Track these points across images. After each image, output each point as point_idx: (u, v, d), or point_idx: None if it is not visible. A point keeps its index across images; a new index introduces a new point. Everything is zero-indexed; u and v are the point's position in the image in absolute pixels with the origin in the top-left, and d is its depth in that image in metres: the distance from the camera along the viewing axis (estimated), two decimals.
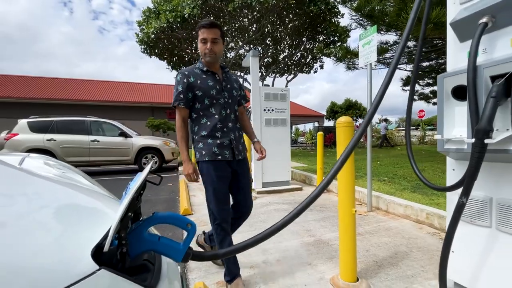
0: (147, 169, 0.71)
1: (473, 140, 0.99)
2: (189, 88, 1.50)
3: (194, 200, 3.91)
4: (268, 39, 11.23)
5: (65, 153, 6.37)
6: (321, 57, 11.39)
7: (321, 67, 12.86)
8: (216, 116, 1.53)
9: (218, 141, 1.52)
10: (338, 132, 1.59)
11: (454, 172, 1.32)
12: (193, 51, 11.09)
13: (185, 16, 7.79)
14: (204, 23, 1.48)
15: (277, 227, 0.85)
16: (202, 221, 2.88)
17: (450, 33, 1.30)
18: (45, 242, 0.50)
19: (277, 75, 12.89)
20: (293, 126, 26.23)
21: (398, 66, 7.66)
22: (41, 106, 19.29)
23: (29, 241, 0.49)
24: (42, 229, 0.54)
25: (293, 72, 12.83)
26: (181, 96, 1.50)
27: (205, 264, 1.89)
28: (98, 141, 6.64)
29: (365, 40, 3.07)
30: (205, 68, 1.55)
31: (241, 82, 1.64)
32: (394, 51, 7.67)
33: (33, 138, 6.22)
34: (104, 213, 0.74)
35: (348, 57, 6.83)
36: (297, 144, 23.22)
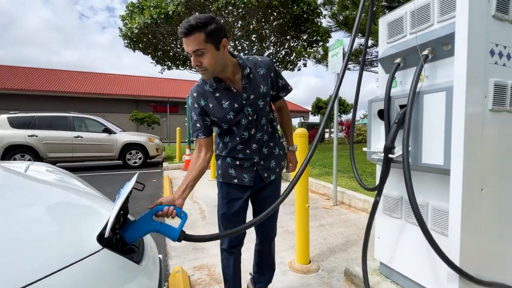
0: (134, 179, 0.98)
1: (383, 154, 1.33)
2: (203, 113, 1.24)
3: None
4: (254, 36, 11.41)
5: (47, 149, 6.39)
6: (304, 56, 11.73)
7: (305, 65, 13.21)
8: (237, 138, 1.27)
9: (237, 162, 1.31)
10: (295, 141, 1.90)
11: None
12: (178, 46, 11.10)
13: (169, 13, 7.84)
14: (180, 31, 1.04)
15: (259, 219, 1.05)
16: None
17: (380, 66, 1.63)
18: (66, 228, 0.78)
19: None
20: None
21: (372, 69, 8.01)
22: (20, 97, 18.60)
23: (56, 227, 0.76)
24: (62, 221, 0.81)
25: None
26: (198, 125, 1.23)
27: (184, 253, 2.18)
28: (82, 137, 6.69)
29: (333, 52, 3.40)
30: (214, 85, 1.20)
31: (274, 68, 1.32)
32: (370, 53, 8.13)
33: (14, 134, 6.19)
34: (100, 211, 1.01)
35: (327, 59, 7.18)
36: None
